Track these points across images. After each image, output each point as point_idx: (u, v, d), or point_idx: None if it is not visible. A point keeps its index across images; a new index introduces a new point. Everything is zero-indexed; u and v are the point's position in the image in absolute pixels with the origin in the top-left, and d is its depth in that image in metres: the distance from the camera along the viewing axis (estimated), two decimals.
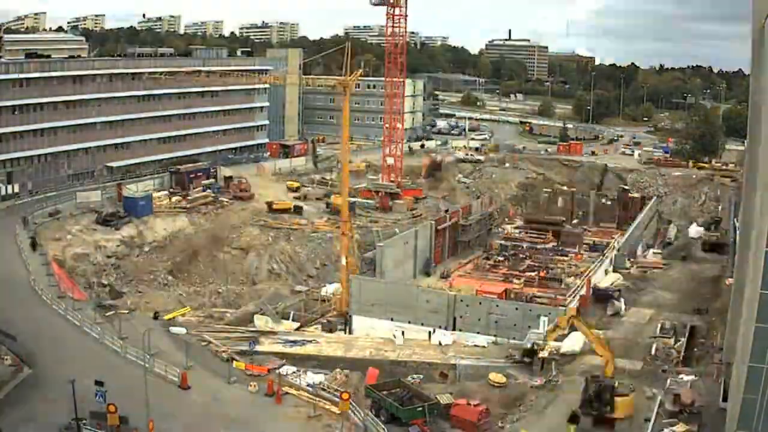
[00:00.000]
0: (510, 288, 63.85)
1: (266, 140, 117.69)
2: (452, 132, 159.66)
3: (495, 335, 52.37)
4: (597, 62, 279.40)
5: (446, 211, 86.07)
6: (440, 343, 51.18)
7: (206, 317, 57.06)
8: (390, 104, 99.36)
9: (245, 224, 78.04)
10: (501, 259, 76.42)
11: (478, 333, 53.48)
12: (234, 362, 43.22)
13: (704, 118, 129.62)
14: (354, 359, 47.29)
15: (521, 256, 76.55)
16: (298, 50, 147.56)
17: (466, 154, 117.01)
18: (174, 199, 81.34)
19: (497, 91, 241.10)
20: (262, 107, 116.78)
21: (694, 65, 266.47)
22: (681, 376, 41.51)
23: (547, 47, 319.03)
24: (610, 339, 49.13)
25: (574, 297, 57.08)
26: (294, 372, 43.53)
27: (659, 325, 51.63)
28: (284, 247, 75.23)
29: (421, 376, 44.98)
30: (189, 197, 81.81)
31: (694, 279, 67.78)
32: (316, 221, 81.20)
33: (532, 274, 69.24)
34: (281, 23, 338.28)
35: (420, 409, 37.47)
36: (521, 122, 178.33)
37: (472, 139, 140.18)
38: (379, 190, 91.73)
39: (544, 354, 45.12)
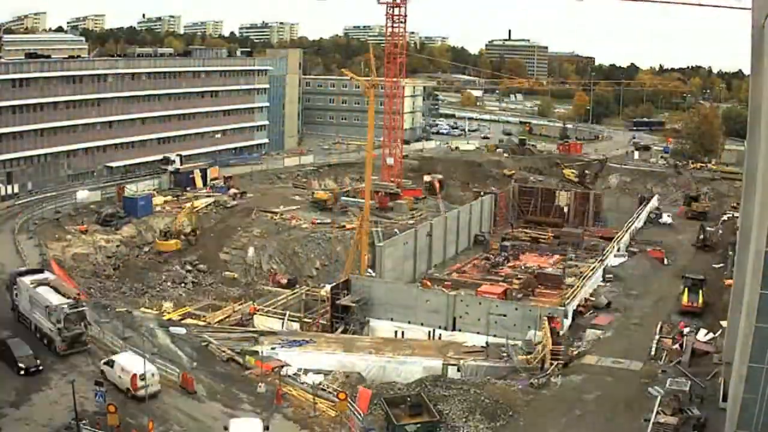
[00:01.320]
0: (510, 288, 63.91)
1: (266, 140, 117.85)
2: (453, 132, 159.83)
3: (495, 335, 52.31)
4: (597, 62, 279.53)
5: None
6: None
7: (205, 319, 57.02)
8: (390, 104, 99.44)
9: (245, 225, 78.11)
10: (501, 259, 76.51)
11: (478, 333, 53.46)
12: (246, 357, 43.21)
13: (704, 118, 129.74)
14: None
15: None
16: (298, 50, 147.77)
17: None
18: (169, 198, 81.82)
19: (497, 91, 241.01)
20: (262, 107, 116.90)
21: (694, 65, 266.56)
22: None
23: (547, 47, 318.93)
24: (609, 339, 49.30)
25: (573, 298, 56.90)
26: (294, 372, 43.53)
27: (659, 326, 51.50)
28: (284, 246, 75.13)
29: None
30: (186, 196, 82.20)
31: None
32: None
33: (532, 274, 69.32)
34: (281, 23, 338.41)
35: (417, 426, 36.83)
36: (521, 122, 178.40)
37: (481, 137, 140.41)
38: (379, 190, 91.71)
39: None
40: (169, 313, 58.55)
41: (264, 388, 40.31)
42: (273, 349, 46.90)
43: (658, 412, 35.91)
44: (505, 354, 46.40)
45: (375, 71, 65.49)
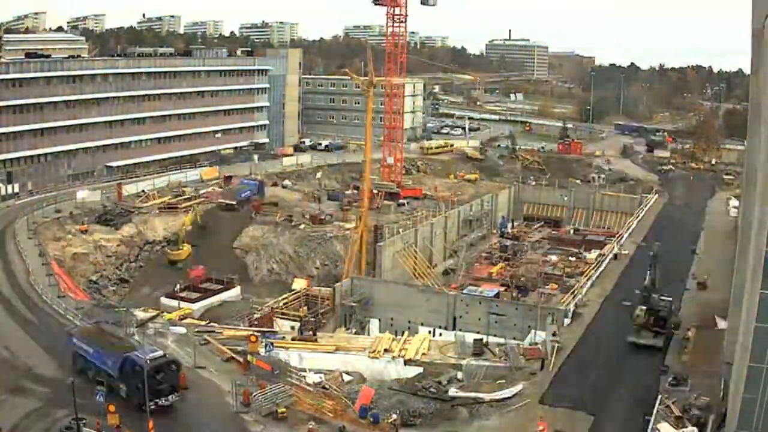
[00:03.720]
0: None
1: (266, 140, 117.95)
2: (453, 132, 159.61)
3: (495, 335, 52.31)
4: (597, 62, 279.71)
5: None
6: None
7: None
8: (390, 104, 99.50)
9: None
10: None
11: (478, 333, 53.41)
12: (249, 357, 43.26)
13: (704, 118, 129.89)
14: None
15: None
16: (298, 50, 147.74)
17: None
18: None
19: (497, 91, 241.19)
20: (262, 107, 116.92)
21: (694, 65, 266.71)
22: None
23: (547, 47, 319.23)
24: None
25: (574, 297, 56.86)
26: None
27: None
28: (284, 247, 75.10)
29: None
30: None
31: None
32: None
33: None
34: (281, 23, 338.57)
35: None
36: (521, 122, 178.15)
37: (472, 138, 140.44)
38: (378, 190, 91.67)
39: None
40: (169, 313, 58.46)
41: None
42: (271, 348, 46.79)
43: (657, 411, 35.84)
44: (504, 354, 46.34)
45: (373, 71, 65.72)
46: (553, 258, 75.58)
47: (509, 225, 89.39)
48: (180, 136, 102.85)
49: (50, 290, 53.36)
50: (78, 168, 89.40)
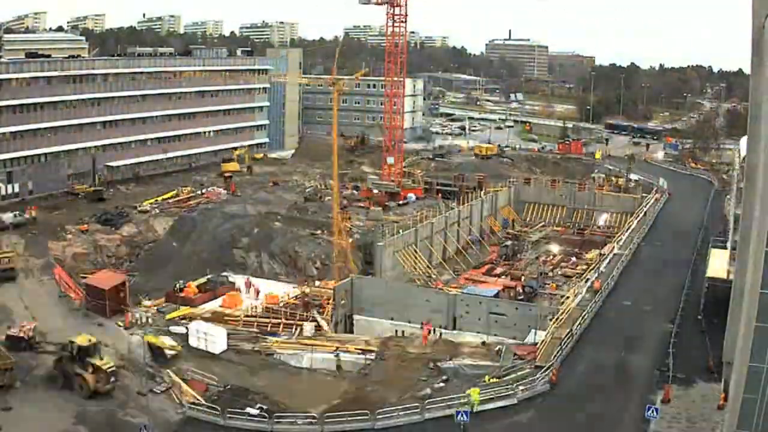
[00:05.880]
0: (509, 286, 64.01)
1: (266, 140, 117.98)
2: (452, 132, 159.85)
3: (495, 335, 52.26)
4: (597, 62, 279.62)
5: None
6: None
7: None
8: (390, 104, 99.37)
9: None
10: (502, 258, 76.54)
11: (478, 333, 53.44)
12: None
13: (704, 118, 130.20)
14: None
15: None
16: (298, 50, 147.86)
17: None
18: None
19: (497, 91, 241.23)
20: (262, 107, 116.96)
21: (694, 65, 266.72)
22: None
23: (547, 47, 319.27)
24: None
25: (575, 298, 56.81)
26: None
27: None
28: (284, 246, 74.99)
29: None
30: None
31: None
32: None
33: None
34: (281, 23, 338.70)
35: None
36: (521, 122, 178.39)
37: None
38: (379, 190, 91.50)
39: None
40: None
41: None
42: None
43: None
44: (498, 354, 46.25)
45: (336, 68, 65.49)
46: (553, 257, 75.64)
47: (509, 225, 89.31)
48: (180, 136, 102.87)
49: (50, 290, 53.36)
50: (78, 168, 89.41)
